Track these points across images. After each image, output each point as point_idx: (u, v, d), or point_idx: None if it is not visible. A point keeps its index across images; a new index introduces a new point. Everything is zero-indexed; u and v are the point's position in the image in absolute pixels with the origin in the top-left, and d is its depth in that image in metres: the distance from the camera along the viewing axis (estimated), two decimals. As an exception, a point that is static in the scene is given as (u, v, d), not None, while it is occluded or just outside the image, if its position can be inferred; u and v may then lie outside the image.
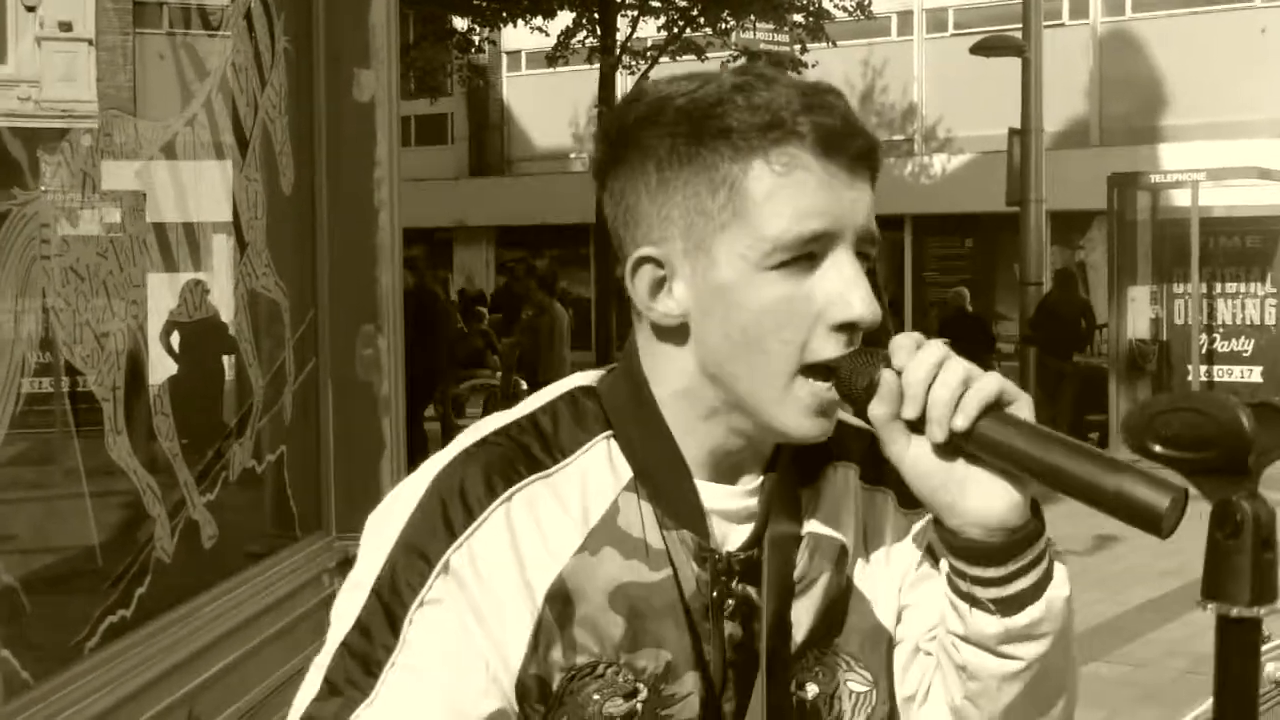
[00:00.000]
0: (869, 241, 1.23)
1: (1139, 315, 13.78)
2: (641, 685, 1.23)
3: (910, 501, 1.31)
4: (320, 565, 3.91)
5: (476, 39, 21.71)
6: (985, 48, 15.30)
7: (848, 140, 1.21)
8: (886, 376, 1.16)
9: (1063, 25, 22.06)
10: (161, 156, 3.37)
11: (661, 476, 1.26)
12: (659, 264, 1.24)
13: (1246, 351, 13.43)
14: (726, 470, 1.29)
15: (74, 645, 2.96)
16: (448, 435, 14.02)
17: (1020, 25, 15.31)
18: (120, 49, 3.26)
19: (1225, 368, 13.56)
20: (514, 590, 1.21)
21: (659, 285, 1.24)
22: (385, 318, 4.21)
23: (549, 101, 27.15)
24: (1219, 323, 13.56)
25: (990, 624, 1.19)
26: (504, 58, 28.47)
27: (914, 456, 1.17)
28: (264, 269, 3.83)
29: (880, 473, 1.33)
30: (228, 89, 3.60)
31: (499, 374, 15.95)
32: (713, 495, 1.27)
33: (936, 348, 1.16)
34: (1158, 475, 1.07)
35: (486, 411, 14.65)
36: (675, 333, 1.25)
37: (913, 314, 22.63)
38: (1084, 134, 23.22)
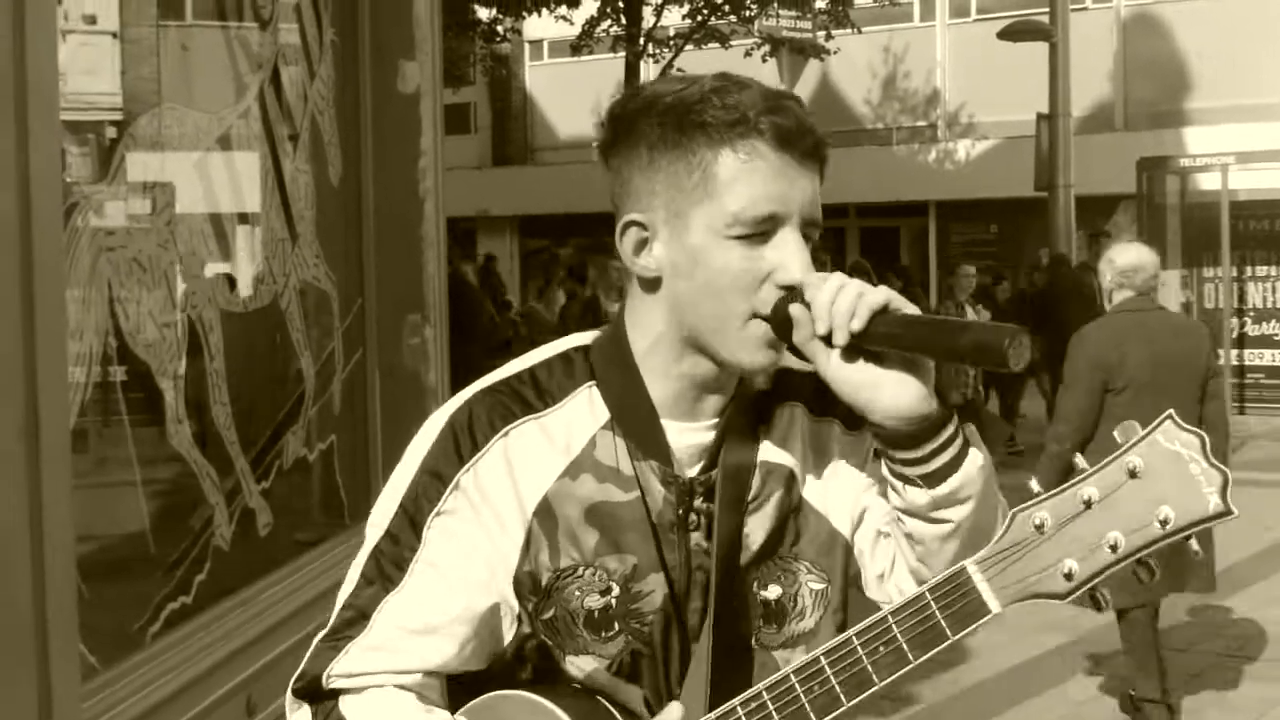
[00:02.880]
0: (812, 225, 1.49)
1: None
2: (614, 584, 1.51)
3: (855, 424, 1.57)
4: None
5: (500, 29, 21.70)
6: (1012, 33, 15.22)
7: (800, 138, 1.46)
8: (794, 310, 1.43)
9: (1085, 9, 21.89)
10: (217, 148, 3.39)
11: (633, 417, 1.53)
12: (644, 227, 1.50)
13: (1278, 335, 13.36)
14: (689, 410, 1.54)
15: (137, 630, 2.99)
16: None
17: (1043, 9, 15.24)
18: (149, 40, 3.27)
19: (1257, 351, 13.50)
20: (510, 505, 1.50)
21: (642, 244, 1.51)
22: (431, 307, 4.23)
23: (572, 91, 27.13)
24: (1250, 306, 13.50)
25: (920, 495, 1.46)
26: (526, 47, 28.45)
27: (835, 367, 1.43)
28: (314, 260, 3.85)
29: (825, 405, 1.57)
30: (279, 81, 3.62)
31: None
32: (677, 431, 1.53)
33: (837, 277, 1.42)
34: (999, 325, 1.34)
35: None
36: (653, 284, 1.51)
37: (937, 300, 22.62)
38: (1108, 118, 23.07)
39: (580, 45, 20.19)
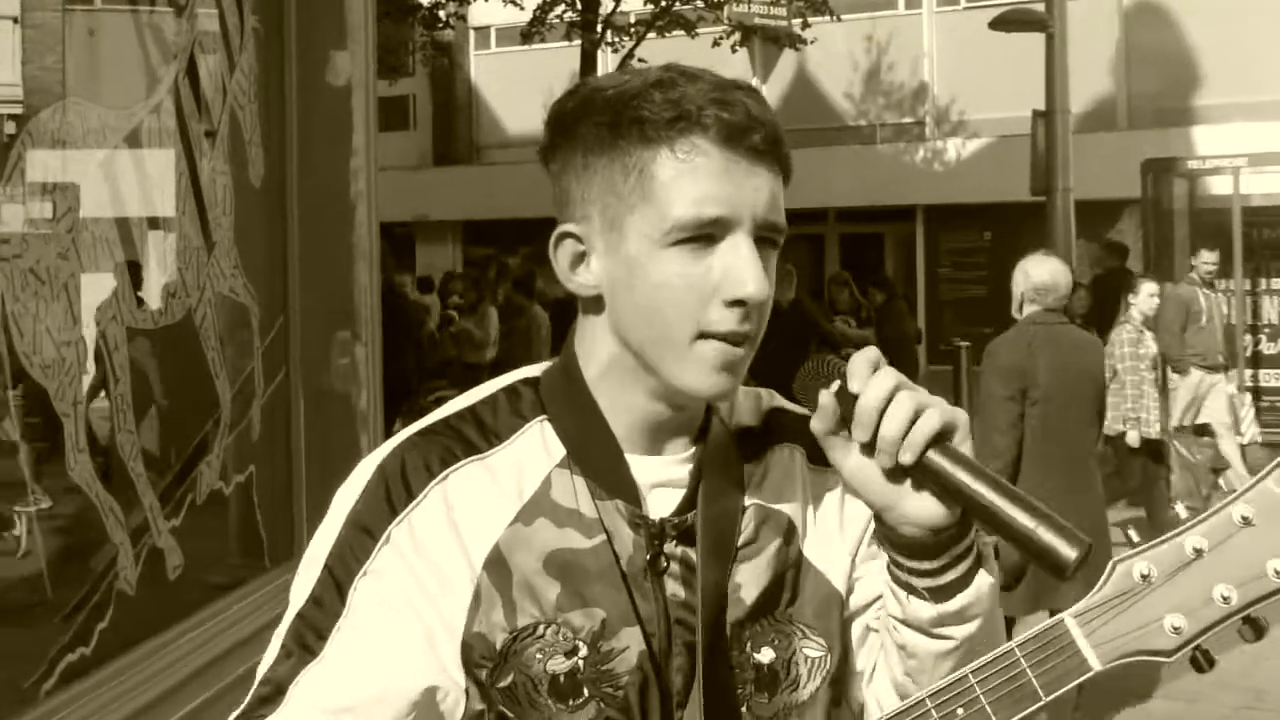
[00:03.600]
0: (771, 229, 1.47)
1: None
2: (581, 643, 1.47)
3: None
4: (293, 597, 3.90)
5: (443, 14, 21.69)
6: (1006, 22, 15.35)
7: (748, 132, 1.44)
8: (824, 400, 1.41)
9: (1086, -4, 22.17)
10: (126, 146, 3.37)
11: (592, 452, 1.51)
12: (579, 239, 1.50)
13: (1295, 354, 13.52)
14: (654, 442, 1.53)
15: (30, 686, 2.95)
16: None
17: (1041, -3, 15.41)
18: (53, 26, 3.25)
19: (1274, 372, 13.63)
20: (453, 559, 1.46)
21: (579, 259, 1.50)
22: (363, 323, 4.21)
23: (523, 83, 27.12)
24: (1264, 322, 13.64)
25: (925, 609, 1.45)
26: (472, 34, 28.47)
27: (854, 466, 1.42)
28: (232, 270, 3.83)
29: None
30: (195, 72, 3.60)
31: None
32: (643, 466, 1.52)
33: (887, 377, 1.38)
34: (1069, 527, 1.32)
35: None
36: (595, 304, 1.51)
37: (926, 313, 22.73)
38: (1110, 116, 23.31)
39: (532, 32, 20.21)
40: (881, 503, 1.41)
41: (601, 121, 1.46)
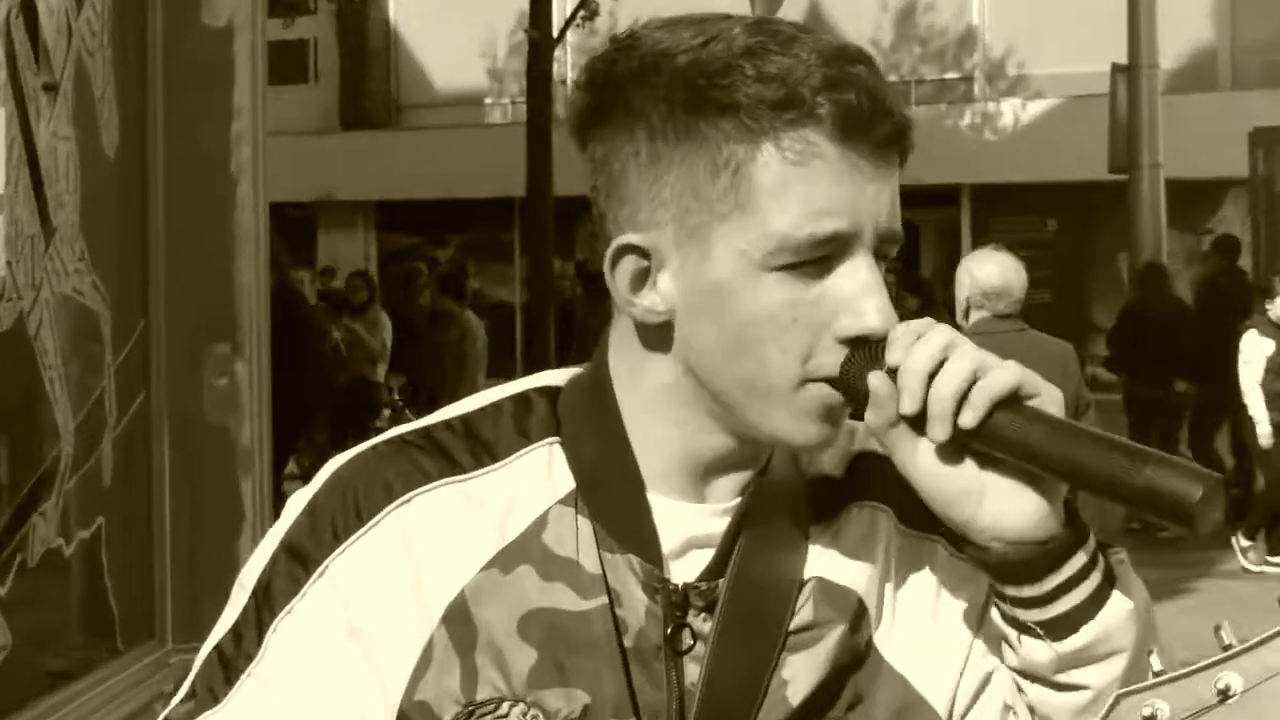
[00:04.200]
0: (891, 241, 1.48)
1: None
2: None
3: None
4: (152, 690, 3.88)
5: (352, -66, 21.71)
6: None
7: (874, 123, 1.44)
8: (874, 381, 1.42)
9: (1180, -81, 22.32)
10: (-62, 105, 3.36)
11: (609, 490, 1.52)
12: (644, 254, 1.48)
13: None
14: (696, 483, 1.54)
15: None
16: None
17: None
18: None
19: None
20: (403, 605, 1.48)
21: (643, 277, 1.49)
22: (246, 333, 4.19)
23: (455, 24, 27.17)
24: None
25: (1040, 650, 1.45)
26: (390, -39, 28.55)
27: (924, 465, 1.43)
28: (76, 264, 3.82)
29: (928, 516, 1.51)
30: (32, 9, 3.60)
31: (389, 412, 15.91)
32: (675, 515, 1.52)
33: (942, 333, 1.42)
34: (1189, 464, 1.34)
35: None
36: (658, 332, 1.50)
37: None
38: (1210, 72, 23.47)
39: (467, -41, 20.22)
40: (962, 513, 1.43)
41: (675, 99, 1.44)
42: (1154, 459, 1.34)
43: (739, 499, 1.54)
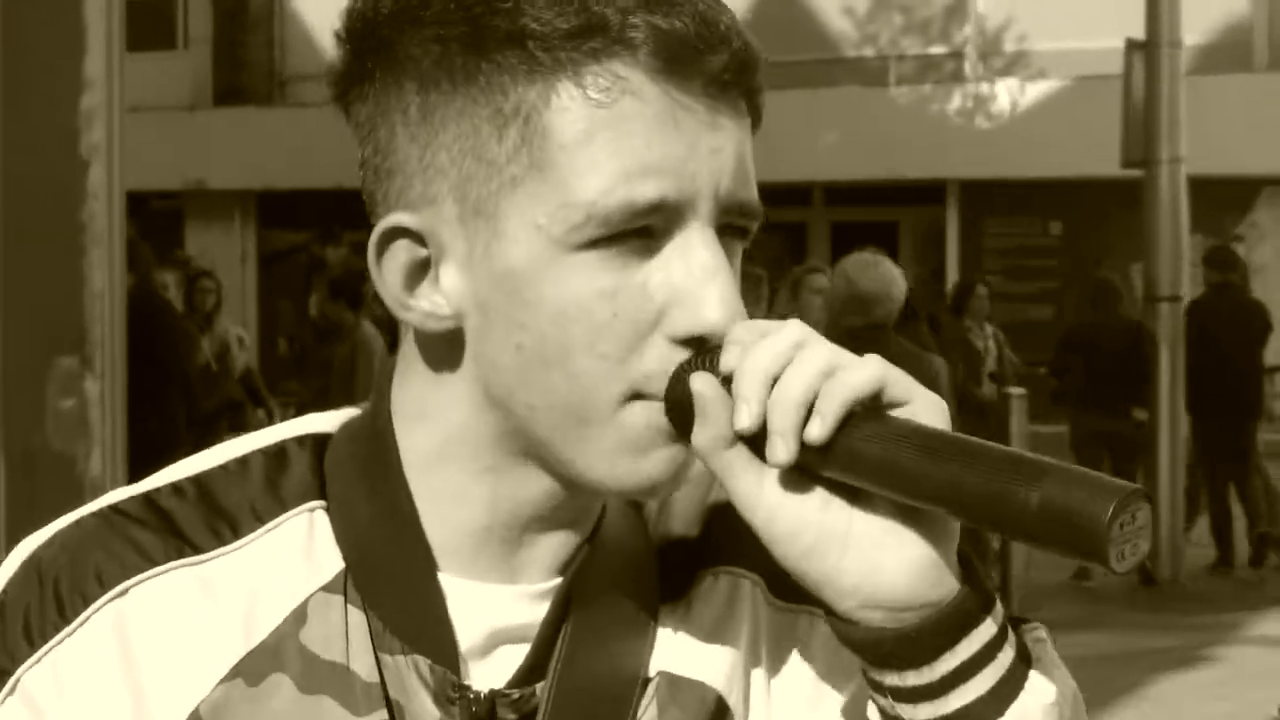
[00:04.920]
0: (741, 213, 1.38)
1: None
2: None
3: None
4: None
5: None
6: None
7: (707, 52, 1.32)
8: (698, 384, 1.30)
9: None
10: None
11: (387, 571, 1.41)
12: (419, 239, 1.37)
13: None
14: (507, 559, 1.42)
15: None
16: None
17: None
18: None
19: None
20: None
21: (420, 271, 1.38)
22: (98, 345, 4.17)
23: (350, -20, 27.21)
24: None
25: None
26: (274, -95, 28.55)
27: (770, 504, 1.29)
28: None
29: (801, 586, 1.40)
30: None
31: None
32: (476, 600, 1.41)
33: (794, 330, 1.29)
34: (1100, 477, 1.20)
35: None
36: (445, 346, 1.39)
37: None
38: (1243, 50, 23.68)
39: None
40: (820, 567, 1.28)
41: (450, 34, 1.33)
42: (1055, 473, 1.19)
43: (561, 576, 1.43)
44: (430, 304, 1.37)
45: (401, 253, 1.37)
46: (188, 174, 26.63)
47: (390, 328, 14.06)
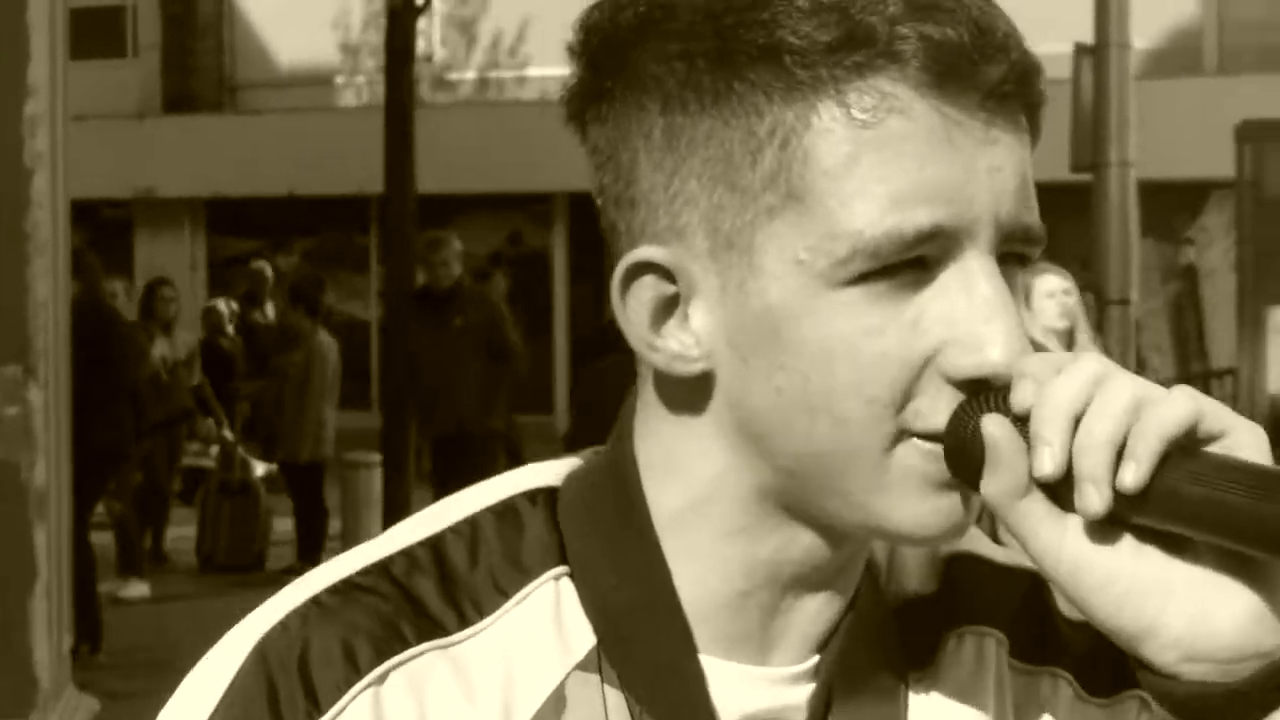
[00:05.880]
0: (1024, 240, 1.25)
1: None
2: None
3: (1101, 686, 1.37)
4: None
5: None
6: (1034, -90, 15.64)
7: (984, 64, 1.21)
8: (991, 427, 1.17)
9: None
10: None
11: (642, 645, 1.29)
12: (668, 274, 1.26)
13: None
14: (763, 628, 1.32)
15: None
16: (128, 554, 13.87)
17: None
18: None
19: None
20: None
21: (668, 308, 1.27)
22: (41, 354, 4.17)
23: (302, -12, 27.11)
24: None
25: None
26: (224, -88, 28.41)
27: (1074, 555, 1.17)
28: None
29: (1045, 645, 1.37)
30: None
31: (218, 448, 15.80)
32: (730, 680, 1.30)
33: (1091, 363, 1.16)
34: None
35: (204, 513, 14.14)
36: (693, 389, 1.28)
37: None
38: (1193, 54, 23.72)
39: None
40: (1137, 622, 1.16)
41: (696, 50, 1.22)
42: None
43: (816, 658, 1.33)
44: (679, 344, 1.26)
45: (648, 290, 1.27)
46: (137, 182, 26.54)
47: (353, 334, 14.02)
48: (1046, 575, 1.19)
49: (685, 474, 1.29)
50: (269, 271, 19.36)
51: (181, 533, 15.61)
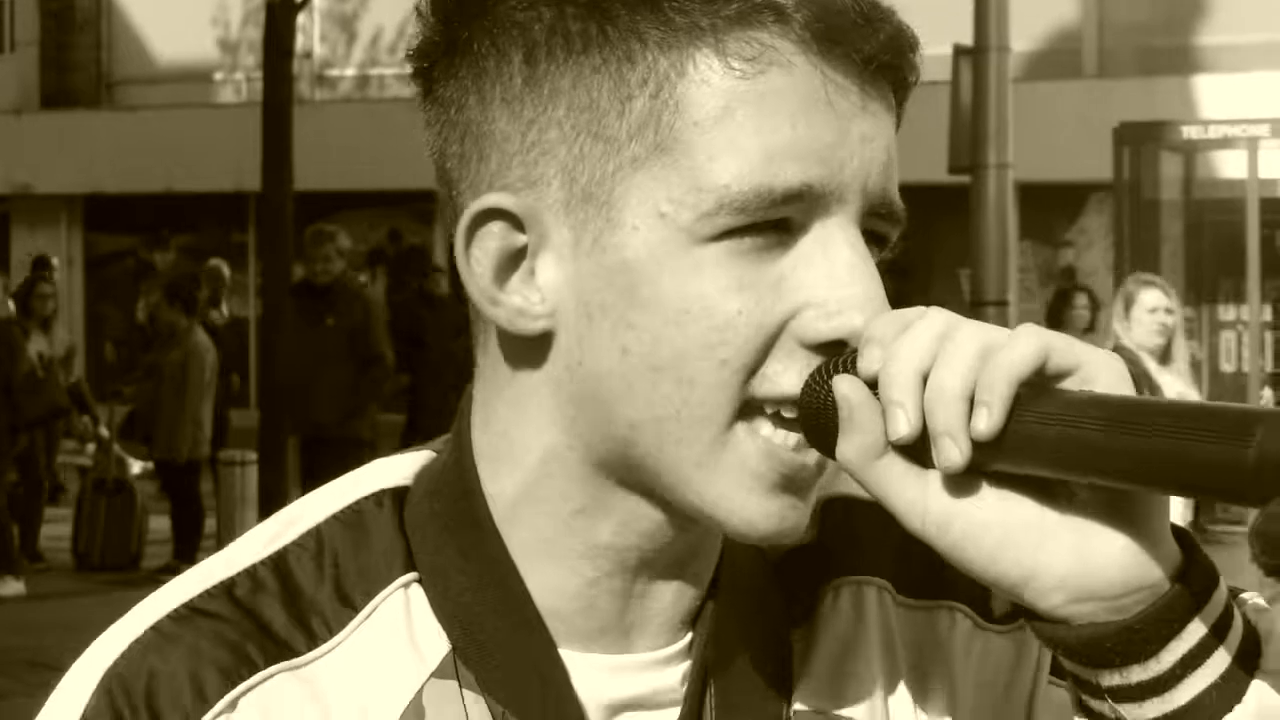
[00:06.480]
0: (886, 217, 1.24)
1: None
2: None
3: (999, 614, 1.35)
4: None
5: None
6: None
7: (867, 28, 1.19)
8: (843, 388, 1.14)
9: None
10: None
11: (498, 646, 1.26)
12: (517, 222, 1.22)
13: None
14: (619, 616, 1.28)
15: None
16: (2, 553, 13.76)
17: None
18: None
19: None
20: None
21: (513, 261, 1.23)
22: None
23: (181, -17, 26.93)
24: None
25: None
26: (101, -94, 28.19)
27: (940, 510, 1.13)
28: None
29: (935, 579, 1.34)
30: None
31: (95, 446, 15.69)
32: (593, 671, 1.27)
33: (934, 317, 1.14)
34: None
35: (80, 515, 14.16)
36: (533, 351, 1.24)
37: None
38: (1072, 57, 23.86)
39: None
40: (1016, 569, 1.12)
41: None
42: (1267, 420, 1.01)
43: (687, 632, 1.30)
44: (522, 299, 1.22)
45: (494, 239, 1.23)
46: (14, 177, 26.32)
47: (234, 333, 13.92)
48: (915, 534, 1.15)
49: (519, 457, 1.26)
50: (225, 270, 19.21)
51: (57, 531, 15.49)
